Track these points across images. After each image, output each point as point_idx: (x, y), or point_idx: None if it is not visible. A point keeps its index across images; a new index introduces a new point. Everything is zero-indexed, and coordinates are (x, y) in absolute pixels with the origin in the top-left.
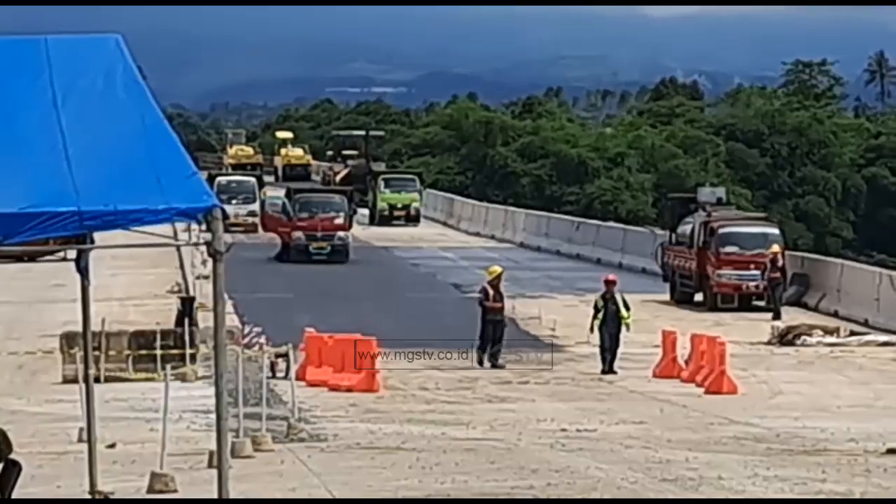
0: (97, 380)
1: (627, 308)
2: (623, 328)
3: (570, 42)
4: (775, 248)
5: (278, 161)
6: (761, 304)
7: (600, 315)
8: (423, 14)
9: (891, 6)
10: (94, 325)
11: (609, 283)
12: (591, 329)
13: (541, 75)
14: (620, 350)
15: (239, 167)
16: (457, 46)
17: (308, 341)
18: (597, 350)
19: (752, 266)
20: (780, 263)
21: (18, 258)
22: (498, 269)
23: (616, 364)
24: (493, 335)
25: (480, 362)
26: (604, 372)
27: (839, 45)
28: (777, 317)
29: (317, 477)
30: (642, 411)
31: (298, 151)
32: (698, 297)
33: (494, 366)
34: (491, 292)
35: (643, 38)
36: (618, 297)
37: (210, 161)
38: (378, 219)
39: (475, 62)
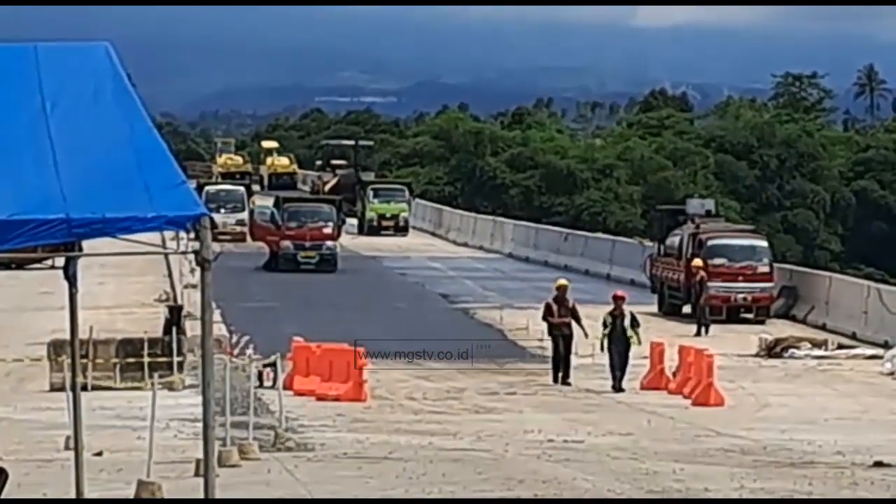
0: (84, 388)
1: (637, 325)
2: (633, 345)
3: (557, 52)
4: (697, 262)
5: (264, 170)
6: (749, 316)
7: (606, 331)
8: (411, 24)
9: (880, 19)
10: (82, 333)
11: (618, 299)
12: (602, 348)
13: (529, 85)
14: (629, 366)
15: (228, 176)
16: (445, 56)
17: (296, 350)
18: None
19: (740, 278)
20: (699, 277)
21: (6, 265)
22: (563, 282)
23: (625, 382)
24: (563, 351)
25: (556, 380)
26: (615, 389)
27: (828, 58)
28: (699, 333)
29: (303, 486)
30: (629, 423)
31: (284, 160)
32: (686, 308)
33: (565, 383)
34: (555, 307)
35: (629, 49)
36: (626, 313)
37: (199, 170)
38: (367, 228)
39: (463, 72)
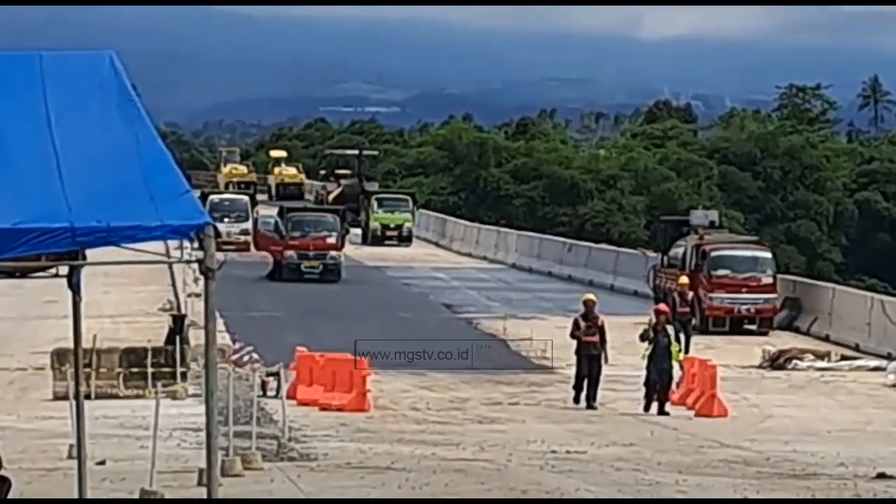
0: (88, 397)
1: (678, 341)
2: (675, 364)
3: (561, 64)
4: (683, 279)
5: (272, 180)
6: (753, 327)
7: (648, 346)
8: (415, 35)
9: (884, 31)
10: (86, 342)
11: (660, 313)
12: (644, 357)
13: (533, 96)
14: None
15: (232, 186)
16: (449, 67)
17: (299, 360)
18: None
19: (743, 289)
20: (689, 297)
21: (10, 274)
22: (590, 296)
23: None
24: (588, 371)
25: (577, 400)
26: (646, 409)
27: (832, 69)
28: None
29: (306, 496)
30: (633, 434)
31: (292, 170)
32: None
33: (590, 406)
34: (582, 323)
35: (633, 60)
36: (669, 328)
37: (203, 179)
38: (370, 238)
39: (468, 83)
